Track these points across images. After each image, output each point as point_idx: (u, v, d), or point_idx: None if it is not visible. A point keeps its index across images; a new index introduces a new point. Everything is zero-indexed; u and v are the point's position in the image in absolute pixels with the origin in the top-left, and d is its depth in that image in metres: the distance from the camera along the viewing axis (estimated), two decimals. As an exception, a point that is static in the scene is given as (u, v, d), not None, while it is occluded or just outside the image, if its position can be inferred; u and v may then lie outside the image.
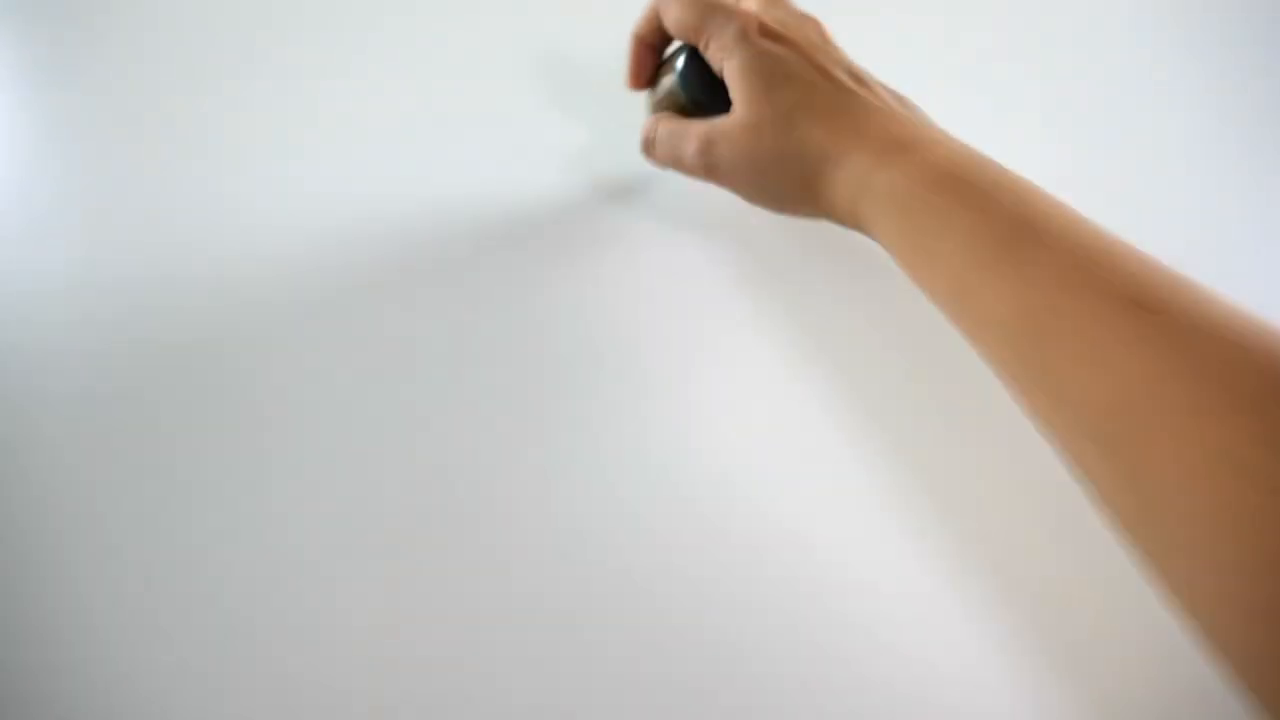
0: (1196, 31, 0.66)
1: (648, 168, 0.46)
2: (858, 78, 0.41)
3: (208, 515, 0.39)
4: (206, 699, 0.34)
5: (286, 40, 0.63)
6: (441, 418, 0.42)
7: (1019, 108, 0.59)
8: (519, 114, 0.54)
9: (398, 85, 0.58)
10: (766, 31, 0.40)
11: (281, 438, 0.42)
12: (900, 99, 0.42)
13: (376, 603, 0.37)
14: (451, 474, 0.40)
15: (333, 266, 0.49)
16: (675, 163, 0.43)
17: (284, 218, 0.52)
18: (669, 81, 0.45)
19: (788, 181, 0.40)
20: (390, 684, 0.35)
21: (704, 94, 0.43)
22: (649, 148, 0.45)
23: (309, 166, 0.54)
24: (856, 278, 0.46)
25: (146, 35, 0.63)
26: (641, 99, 0.47)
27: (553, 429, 0.42)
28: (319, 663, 0.35)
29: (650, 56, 0.45)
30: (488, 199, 0.50)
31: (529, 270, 0.47)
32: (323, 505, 0.40)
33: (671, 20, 0.43)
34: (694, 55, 0.43)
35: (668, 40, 0.45)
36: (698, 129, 0.42)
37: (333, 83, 0.60)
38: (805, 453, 0.41)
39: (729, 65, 0.40)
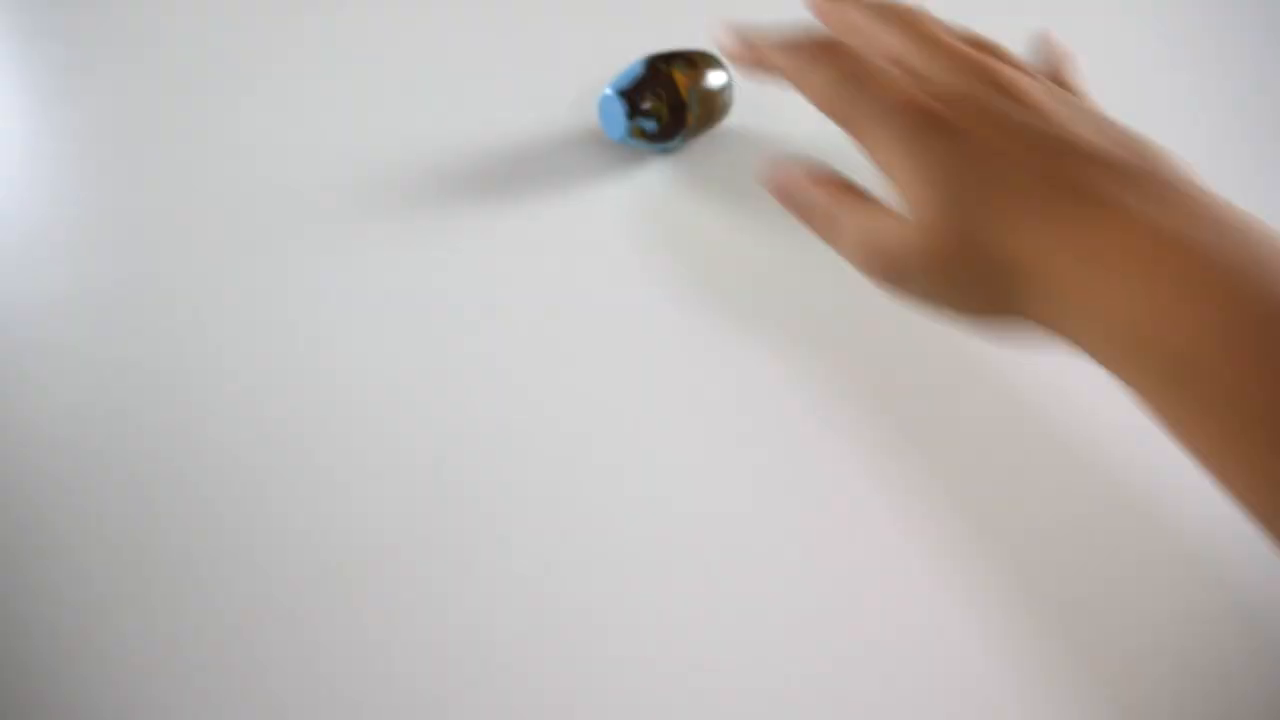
0: (1195, 45, 0.67)
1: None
2: (1059, 142, 0.31)
3: (207, 527, 0.39)
4: (201, 696, 0.34)
5: (287, 49, 0.64)
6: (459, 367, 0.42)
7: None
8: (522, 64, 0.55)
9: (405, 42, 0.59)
10: (937, 122, 0.32)
11: (278, 446, 0.42)
12: (1138, 148, 0.31)
13: (367, 600, 0.37)
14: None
15: (333, 271, 0.49)
16: (869, 259, 0.34)
17: (286, 224, 0.52)
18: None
19: (975, 297, 0.32)
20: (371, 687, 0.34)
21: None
22: (835, 232, 0.36)
23: (309, 173, 0.55)
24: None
25: (146, 48, 0.64)
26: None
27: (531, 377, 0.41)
28: (315, 669, 0.35)
29: (753, 64, 0.39)
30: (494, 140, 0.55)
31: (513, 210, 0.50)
32: (321, 507, 0.40)
33: (814, 89, 0.35)
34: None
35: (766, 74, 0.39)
36: (889, 228, 0.33)
37: (338, 108, 0.60)
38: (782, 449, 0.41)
39: (895, 177, 0.33)
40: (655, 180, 0.51)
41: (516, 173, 0.53)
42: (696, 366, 0.43)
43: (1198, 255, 0.26)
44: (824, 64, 0.34)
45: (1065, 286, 0.29)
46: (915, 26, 0.35)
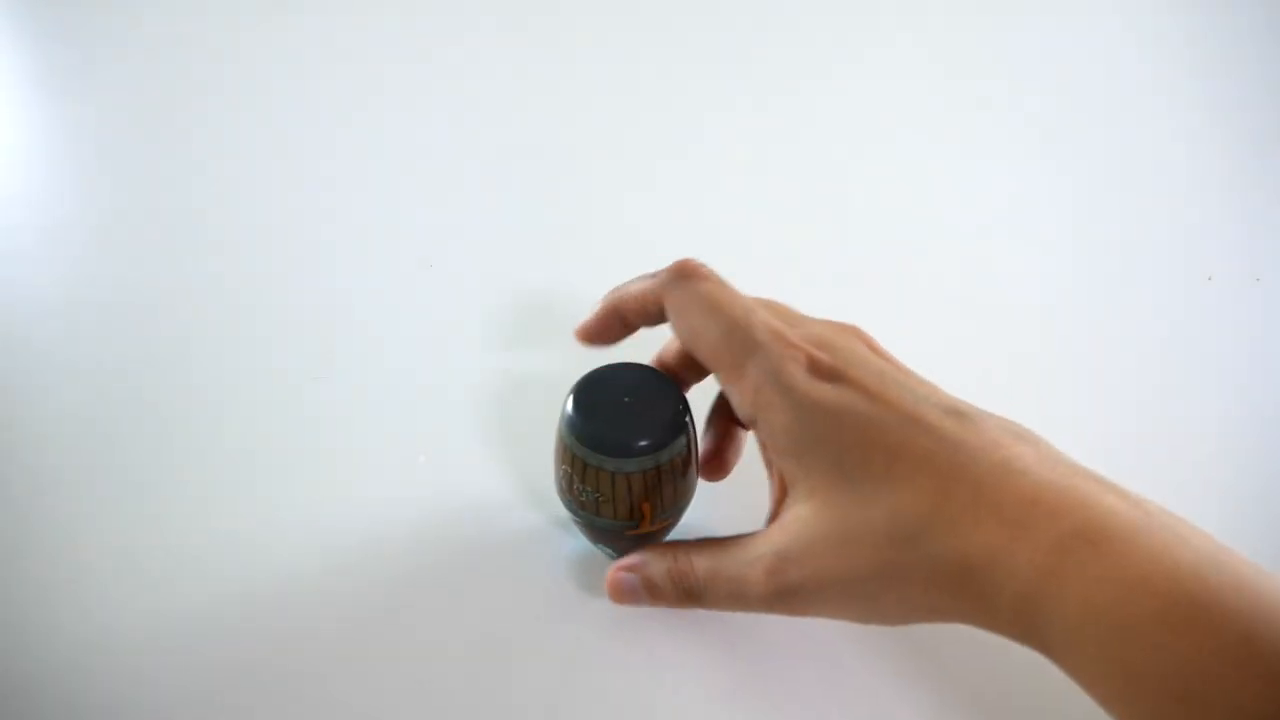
0: (1199, 50, 0.67)
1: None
2: (956, 413, 0.28)
3: (206, 525, 0.39)
4: (198, 694, 0.34)
5: (288, 49, 0.64)
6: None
7: (1020, 128, 0.60)
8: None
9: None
10: (820, 368, 0.29)
11: (273, 446, 0.42)
12: (1019, 434, 0.29)
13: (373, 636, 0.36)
14: None
15: (333, 276, 0.49)
16: (734, 601, 0.30)
17: (288, 233, 0.52)
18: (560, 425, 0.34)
19: (906, 595, 0.27)
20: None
21: (603, 440, 0.32)
22: (674, 593, 0.32)
23: (312, 175, 0.55)
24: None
25: (146, 49, 0.64)
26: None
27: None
28: (306, 667, 0.35)
29: (619, 329, 0.35)
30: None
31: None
32: (319, 510, 0.39)
33: (685, 327, 0.31)
34: (588, 385, 0.34)
35: (649, 323, 0.34)
36: (756, 549, 0.29)
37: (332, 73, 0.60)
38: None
39: (771, 421, 0.29)
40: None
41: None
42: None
43: (1081, 523, 0.25)
44: (711, 313, 0.31)
45: (1013, 569, 0.25)
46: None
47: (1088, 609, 0.24)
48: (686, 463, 0.33)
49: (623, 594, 0.32)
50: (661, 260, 0.34)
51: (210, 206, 0.54)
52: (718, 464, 0.35)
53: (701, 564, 0.30)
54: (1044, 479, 0.26)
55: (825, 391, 0.28)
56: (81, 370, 0.44)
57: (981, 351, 0.47)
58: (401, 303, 0.48)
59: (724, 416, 0.36)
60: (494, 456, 0.41)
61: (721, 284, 0.32)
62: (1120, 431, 0.44)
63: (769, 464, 0.30)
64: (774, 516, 0.30)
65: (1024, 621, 0.26)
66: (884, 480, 0.27)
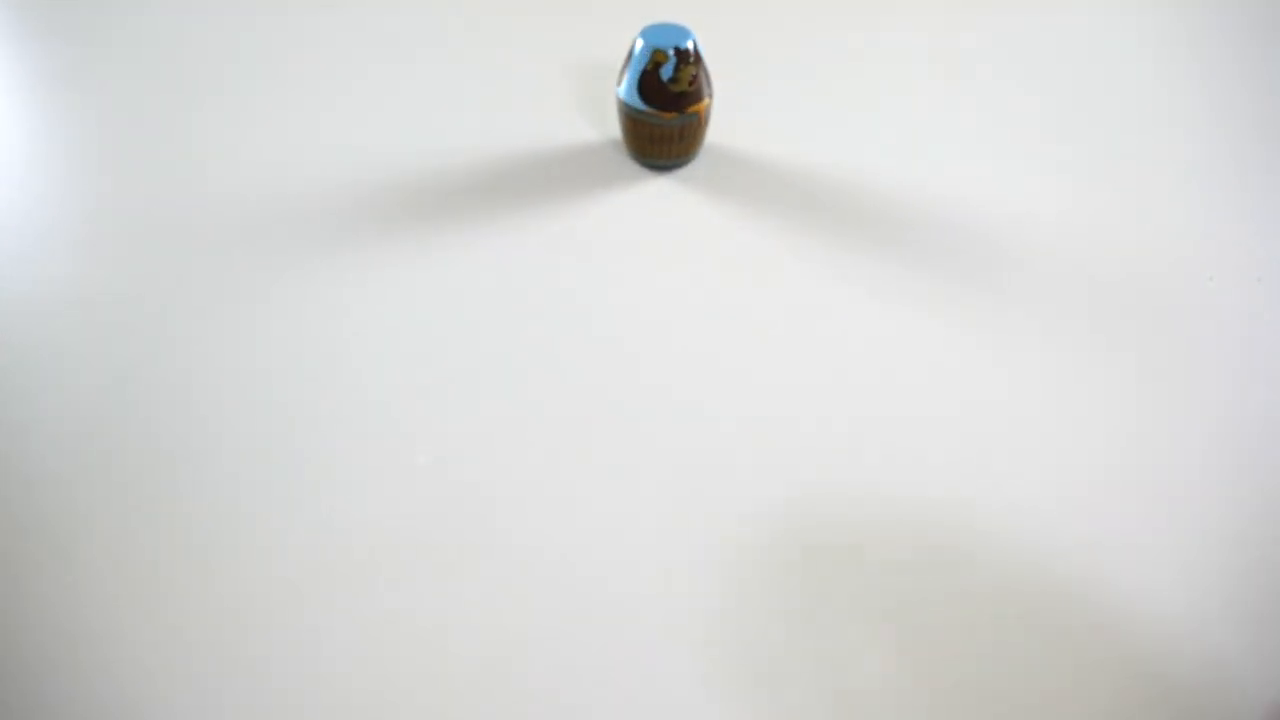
0: (1199, 51, 0.67)
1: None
2: None
3: (205, 525, 0.39)
4: (200, 695, 0.34)
5: (289, 49, 0.64)
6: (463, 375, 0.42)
7: (1022, 128, 0.60)
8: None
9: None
10: None
11: (275, 435, 0.42)
12: None
13: (366, 598, 0.37)
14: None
15: (332, 272, 0.49)
16: None
17: (285, 228, 0.52)
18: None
19: None
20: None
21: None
22: None
23: (311, 174, 0.55)
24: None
25: (146, 49, 0.64)
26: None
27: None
28: (304, 659, 0.35)
29: None
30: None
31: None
32: (319, 506, 0.40)
33: None
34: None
35: None
36: None
37: (335, 109, 0.60)
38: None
39: None
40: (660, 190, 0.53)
41: (521, 179, 0.53)
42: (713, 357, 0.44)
43: None
44: None
45: None
46: None
47: None
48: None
49: None
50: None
51: (210, 205, 0.54)
52: None
53: None
54: None
55: None
56: (79, 368, 0.44)
57: (980, 350, 0.47)
58: (402, 298, 0.48)
59: None
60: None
61: None
62: (1121, 430, 0.44)
63: None
64: None
65: None
66: None
